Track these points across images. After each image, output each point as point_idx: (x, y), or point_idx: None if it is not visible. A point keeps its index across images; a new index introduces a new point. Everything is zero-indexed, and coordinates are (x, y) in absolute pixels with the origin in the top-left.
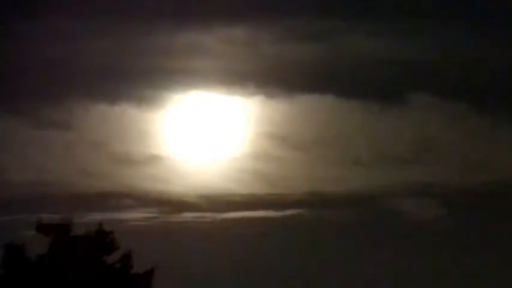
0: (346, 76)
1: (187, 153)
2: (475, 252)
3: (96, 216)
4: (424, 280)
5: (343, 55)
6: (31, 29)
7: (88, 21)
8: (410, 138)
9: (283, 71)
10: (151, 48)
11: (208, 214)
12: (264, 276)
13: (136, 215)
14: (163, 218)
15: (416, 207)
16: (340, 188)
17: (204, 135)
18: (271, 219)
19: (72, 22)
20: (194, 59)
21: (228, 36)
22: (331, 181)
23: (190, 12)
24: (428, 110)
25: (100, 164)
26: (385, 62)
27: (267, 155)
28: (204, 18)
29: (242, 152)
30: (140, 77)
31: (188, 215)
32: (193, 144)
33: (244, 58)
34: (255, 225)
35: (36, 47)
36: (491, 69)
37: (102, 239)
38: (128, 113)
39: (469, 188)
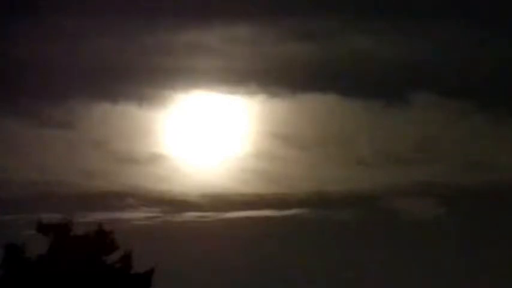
0: (349, 75)
1: (189, 152)
2: (475, 252)
3: (98, 216)
4: (424, 280)
5: (345, 54)
6: (31, 28)
7: (88, 20)
8: (412, 137)
9: (286, 70)
10: (153, 47)
11: (210, 213)
12: (266, 276)
13: (138, 215)
14: (165, 218)
15: (418, 206)
16: (342, 187)
17: (206, 135)
18: (273, 218)
19: (72, 21)
20: (196, 58)
21: (230, 35)
22: (334, 180)
23: (192, 11)
24: (430, 109)
25: (102, 163)
26: (387, 61)
27: (269, 154)
28: (206, 17)
29: (244, 151)
30: (142, 76)
31: (190, 215)
32: (195, 144)
33: (246, 57)
34: (257, 224)
35: (37, 47)
36: (493, 68)
37: (102, 239)
38: (130, 112)
39: (470, 187)
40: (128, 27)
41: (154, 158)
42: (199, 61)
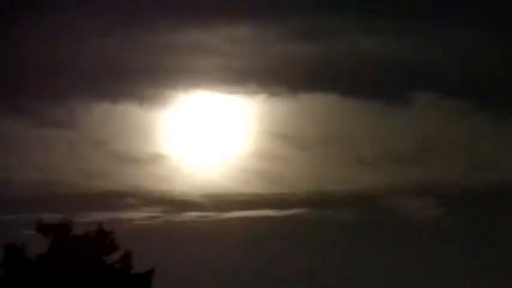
0: (349, 75)
1: (190, 152)
2: (475, 252)
3: (98, 216)
4: (424, 280)
5: (346, 54)
6: (32, 28)
7: (88, 20)
8: (413, 137)
9: (286, 70)
10: (154, 46)
11: (211, 213)
12: (266, 276)
13: (139, 214)
14: (166, 217)
15: (418, 206)
16: (343, 187)
17: (207, 134)
18: (274, 218)
19: (73, 21)
20: (197, 57)
21: (231, 34)
22: (335, 180)
23: (193, 11)
24: (430, 109)
25: (102, 163)
26: (389, 61)
27: (270, 153)
28: (207, 17)
29: (245, 151)
30: (142, 76)
31: (191, 214)
32: (196, 143)
33: (247, 57)
34: (258, 224)
35: (37, 47)
36: (494, 68)
37: (102, 239)
38: (130, 111)
39: (471, 187)
40: (128, 27)
41: (155, 158)
42: (199, 61)
